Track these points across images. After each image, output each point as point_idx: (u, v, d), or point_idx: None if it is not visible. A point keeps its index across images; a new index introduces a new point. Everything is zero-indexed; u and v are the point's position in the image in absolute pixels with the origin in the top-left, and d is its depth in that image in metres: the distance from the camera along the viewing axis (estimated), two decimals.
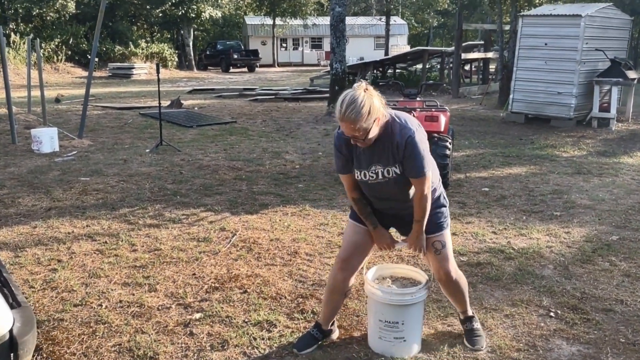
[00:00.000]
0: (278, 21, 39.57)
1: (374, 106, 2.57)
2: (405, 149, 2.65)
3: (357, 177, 2.82)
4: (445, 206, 2.98)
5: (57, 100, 15.28)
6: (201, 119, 11.61)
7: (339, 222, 5.10)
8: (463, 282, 3.07)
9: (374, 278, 3.11)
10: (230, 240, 4.61)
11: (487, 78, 19.55)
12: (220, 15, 35.67)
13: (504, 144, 9.23)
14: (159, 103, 8.45)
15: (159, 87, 8.57)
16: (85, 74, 27.39)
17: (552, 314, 3.43)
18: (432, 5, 40.36)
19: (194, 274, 3.97)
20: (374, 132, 2.62)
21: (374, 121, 2.58)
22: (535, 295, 3.68)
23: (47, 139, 8.08)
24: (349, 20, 38.90)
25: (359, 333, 3.21)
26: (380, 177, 2.76)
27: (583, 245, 4.56)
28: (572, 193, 6.08)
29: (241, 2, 42.00)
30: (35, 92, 11.57)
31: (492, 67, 21.56)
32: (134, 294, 3.65)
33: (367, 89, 2.58)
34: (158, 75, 8.23)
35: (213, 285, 3.79)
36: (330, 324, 3.12)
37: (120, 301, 3.55)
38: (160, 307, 3.49)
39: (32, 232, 4.76)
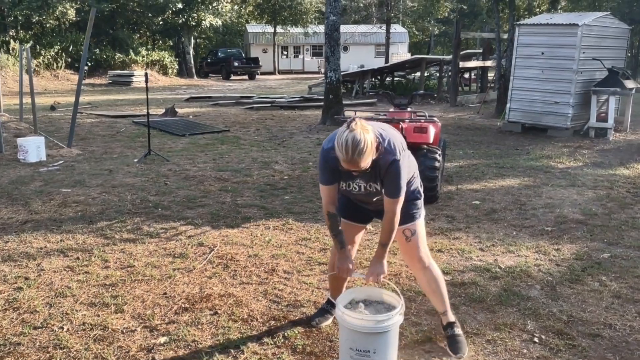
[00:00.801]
0: (279, 29, 39.61)
1: (373, 141, 2.67)
2: (386, 172, 2.79)
3: (342, 187, 2.98)
4: (419, 199, 3.10)
5: (53, 107, 15.18)
6: (194, 128, 11.48)
7: (322, 237, 4.94)
8: (439, 275, 3.15)
9: (347, 302, 2.99)
10: (207, 257, 4.46)
11: (485, 86, 19.41)
12: (220, 24, 35.66)
13: (499, 154, 9.07)
14: (147, 112, 8.31)
15: (147, 96, 8.44)
16: (86, 81, 27.37)
17: (536, 339, 3.26)
18: (432, 13, 40.32)
19: (165, 294, 3.81)
20: (365, 169, 2.75)
21: (373, 154, 2.70)
22: (519, 318, 3.51)
23: (33, 148, 7.95)
24: (350, 28, 39.05)
25: None
26: (362, 189, 2.95)
27: (573, 263, 4.39)
28: (564, 207, 5.91)
29: (243, 10, 42.05)
30: (29, 100, 11.48)
31: (491, 75, 21.43)
32: (99, 315, 3.49)
33: (362, 126, 2.65)
34: (147, 84, 8.11)
35: (183, 305, 3.63)
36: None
37: (84, 323, 3.39)
38: (124, 330, 3.33)
39: (3, 247, 4.61)
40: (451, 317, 3.23)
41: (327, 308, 3.46)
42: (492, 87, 18.41)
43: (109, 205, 5.79)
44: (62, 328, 3.33)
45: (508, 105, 11.59)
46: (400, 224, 2.96)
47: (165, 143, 9.81)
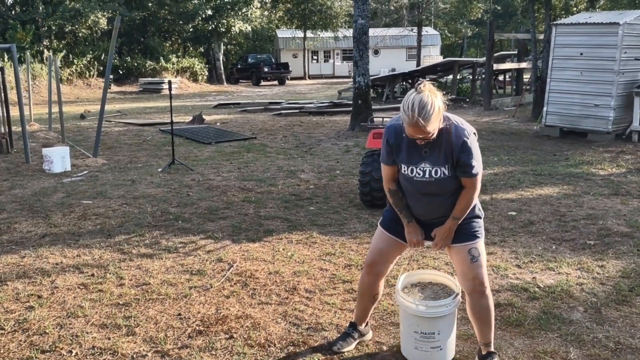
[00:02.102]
0: (309, 34, 39.53)
1: (441, 106, 2.57)
2: (461, 147, 2.64)
3: (404, 171, 2.80)
4: (480, 217, 2.91)
5: (82, 116, 15.32)
6: (221, 135, 11.36)
7: (347, 252, 4.69)
8: (492, 304, 2.91)
9: (403, 287, 3.10)
10: (225, 274, 4.25)
11: (520, 89, 18.85)
12: (250, 30, 35.77)
13: (536, 160, 8.67)
14: (171, 120, 8.20)
15: (170, 104, 8.36)
16: (117, 89, 27.80)
17: None
18: (465, 15, 39.68)
19: (179, 314, 3.61)
20: (427, 137, 2.61)
21: (440, 120, 2.59)
22: (561, 345, 3.20)
23: (58, 158, 7.91)
24: (381, 31, 38.72)
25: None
26: (427, 175, 2.74)
27: (619, 282, 4.03)
28: (608, 218, 5.52)
29: (272, 15, 42.16)
30: (64, 109, 11.53)
31: (527, 77, 20.84)
32: (109, 338, 3.31)
33: (430, 89, 2.56)
34: (170, 92, 8.02)
35: (197, 328, 3.43)
36: (365, 324, 3.25)
37: (93, 347, 3.22)
38: (135, 355, 3.14)
39: (20, 263, 4.49)
40: (492, 347, 3.00)
41: (351, 332, 3.22)
42: (528, 89, 17.86)
43: (129, 218, 5.65)
44: (71, 352, 3.17)
45: (545, 109, 11.13)
46: (465, 240, 2.83)
47: (191, 151, 9.70)
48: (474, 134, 2.73)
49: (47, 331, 3.39)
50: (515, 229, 5.30)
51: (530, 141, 10.60)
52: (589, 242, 4.87)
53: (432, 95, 2.52)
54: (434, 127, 2.55)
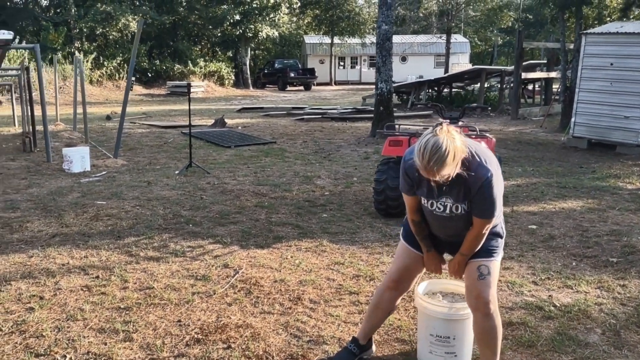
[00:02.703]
0: (336, 40, 39.51)
1: (458, 150, 2.41)
2: (478, 190, 2.53)
3: (424, 204, 2.75)
4: (501, 237, 2.81)
5: (109, 117, 15.49)
6: (241, 139, 11.34)
7: (356, 262, 4.56)
8: (499, 326, 2.75)
9: (424, 293, 3.07)
10: (230, 280, 4.16)
11: (549, 99, 18.45)
12: (277, 35, 35.91)
13: (562, 172, 8.40)
14: (189, 123, 8.19)
15: (189, 107, 8.33)
16: (145, 91, 28.15)
17: None
18: (495, 23, 39.21)
19: (179, 321, 3.53)
20: (455, 172, 2.48)
21: (457, 165, 2.44)
22: None
23: (77, 158, 7.96)
24: (409, 38, 38.48)
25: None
26: (447, 211, 2.67)
27: None
28: (633, 235, 5.27)
29: (300, 21, 42.28)
30: (89, 109, 11.64)
31: (556, 87, 20.43)
32: (106, 344, 3.24)
33: (448, 132, 2.41)
34: (189, 95, 8.00)
35: (196, 336, 3.33)
36: (368, 340, 3.11)
37: (88, 352, 3.15)
38: None
39: (26, 263, 4.47)
40: None
41: (352, 349, 3.08)
42: (556, 99, 17.49)
43: (140, 220, 5.61)
44: (65, 357, 3.10)
45: (573, 120, 10.83)
46: (476, 256, 2.74)
47: (210, 154, 9.69)
48: (497, 168, 2.56)
49: (44, 334, 3.34)
50: (534, 243, 5.10)
51: (557, 152, 10.31)
52: (611, 260, 4.65)
53: (448, 139, 2.38)
54: (448, 171, 2.41)
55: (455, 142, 2.41)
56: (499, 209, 2.62)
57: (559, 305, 3.79)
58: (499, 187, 2.56)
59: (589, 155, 9.85)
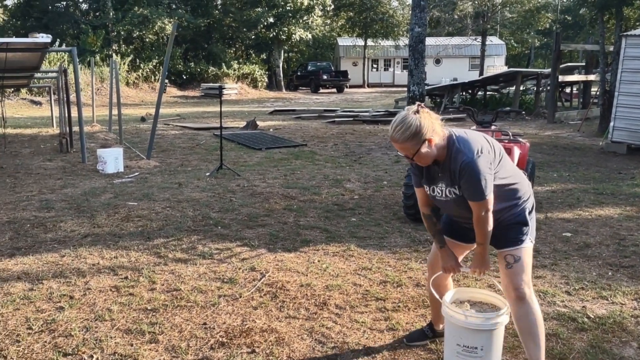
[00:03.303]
0: (370, 42, 39.40)
1: (423, 127, 2.54)
2: (460, 173, 2.62)
3: (427, 191, 2.86)
4: (525, 224, 2.80)
5: (143, 119, 15.76)
6: (272, 142, 11.38)
7: (384, 268, 4.50)
8: (537, 312, 2.79)
9: (452, 301, 3.05)
10: (256, 284, 4.16)
11: (587, 102, 17.99)
12: (310, 37, 36.01)
13: (599, 178, 8.16)
14: (220, 125, 8.25)
15: (220, 109, 8.39)
16: (179, 93, 28.57)
17: None
18: (532, 25, 38.48)
19: (205, 324, 3.54)
20: (427, 153, 2.61)
21: (424, 142, 2.56)
22: None
23: (111, 159, 8.11)
24: (443, 40, 38.08)
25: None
26: (444, 195, 2.77)
27: None
28: None
29: (334, 24, 42.32)
30: (125, 111, 11.93)
31: (594, 90, 19.93)
32: (132, 345, 3.27)
33: (418, 111, 2.56)
34: (220, 98, 8.07)
35: (220, 339, 3.33)
36: (442, 325, 3.21)
37: (115, 353, 3.18)
38: None
39: (59, 262, 4.56)
40: None
41: (426, 330, 3.33)
42: (595, 103, 17.04)
43: (170, 221, 5.67)
44: (92, 357, 3.14)
45: (612, 124, 10.53)
46: (502, 247, 2.81)
47: (241, 157, 9.74)
48: (480, 157, 2.58)
49: (72, 333, 3.39)
50: (568, 251, 4.95)
51: (595, 157, 10.03)
52: None
53: (416, 116, 2.54)
54: (408, 145, 2.56)
55: (422, 121, 2.53)
56: (488, 190, 2.60)
57: (593, 316, 3.66)
58: (482, 166, 2.58)
59: (628, 161, 9.55)
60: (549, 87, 17.22)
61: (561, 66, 18.19)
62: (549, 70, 17.43)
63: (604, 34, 15.02)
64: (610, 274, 4.43)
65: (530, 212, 2.84)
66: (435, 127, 2.58)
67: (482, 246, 2.78)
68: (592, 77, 17.63)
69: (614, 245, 5.08)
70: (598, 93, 15.16)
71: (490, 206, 2.65)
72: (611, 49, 14.91)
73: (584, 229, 5.59)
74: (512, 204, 2.79)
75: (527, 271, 2.80)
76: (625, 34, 10.54)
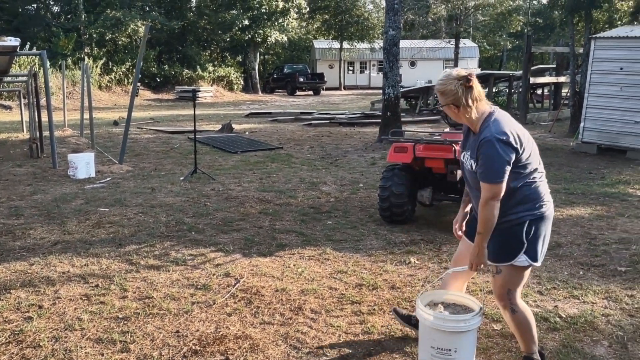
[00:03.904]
0: (346, 45, 39.51)
1: (451, 91, 2.70)
2: (479, 147, 2.67)
3: (460, 158, 2.96)
4: (520, 242, 2.72)
5: (116, 122, 15.54)
6: (247, 145, 11.32)
7: (359, 271, 4.50)
8: (523, 317, 2.90)
9: (426, 304, 3.05)
10: (230, 290, 4.11)
11: (558, 103, 18.30)
12: (286, 40, 35.96)
13: (570, 178, 8.29)
14: (194, 128, 8.17)
15: (195, 112, 8.31)
16: (153, 96, 28.26)
17: None
18: (504, 27, 39.03)
19: (178, 332, 3.48)
20: (451, 114, 2.79)
21: (449, 103, 2.72)
22: None
23: (82, 164, 7.96)
24: (418, 43, 38.39)
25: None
26: (467, 165, 2.85)
27: None
28: None
29: (310, 26, 42.35)
30: (97, 115, 11.70)
31: (565, 91, 20.27)
32: (103, 355, 3.20)
33: (461, 78, 2.69)
34: (194, 101, 8.00)
35: (193, 347, 3.29)
36: None
37: None
38: None
39: (27, 270, 4.45)
40: (535, 356, 2.99)
41: None
42: (566, 104, 17.34)
43: (142, 227, 5.59)
44: None
45: (582, 125, 10.71)
46: (495, 260, 2.82)
47: (216, 160, 9.67)
48: (503, 140, 2.62)
49: (41, 344, 3.31)
50: None
51: (566, 158, 10.19)
52: (619, 269, 4.55)
53: (456, 78, 2.69)
54: (440, 96, 2.76)
55: (455, 86, 2.68)
56: (500, 175, 2.62)
57: (564, 316, 3.71)
58: (499, 152, 2.60)
59: (598, 161, 9.73)
60: (520, 89, 17.47)
61: (532, 68, 18.47)
62: (521, 72, 17.68)
63: (574, 36, 15.30)
64: (581, 273, 4.49)
65: (531, 228, 2.74)
66: (465, 100, 2.69)
67: (481, 236, 2.72)
68: (562, 79, 17.94)
69: (585, 245, 5.16)
70: (568, 94, 15.43)
71: (499, 193, 2.64)
72: (581, 51, 15.20)
73: (555, 228, 5.65)
74: (514, 206, 2.72)
75: (511, 284, 2.82)
76: (594, 36, 10.74)
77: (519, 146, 2.65)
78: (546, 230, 2.81)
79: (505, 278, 2.81)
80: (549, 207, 2.82)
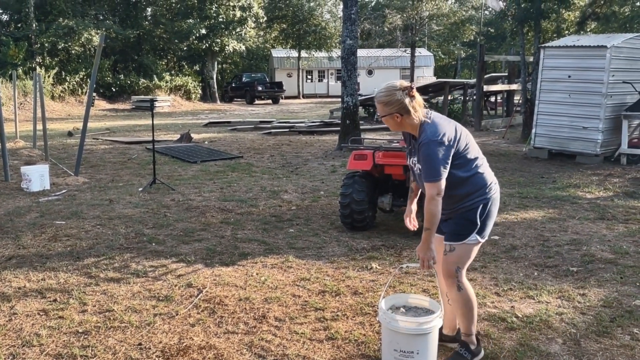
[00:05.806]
0: (304, 54, 39.70)
1: (397, 100, 2.88)
2: (418, 149, 2.90)
3: (409, 163, 3.13)
4: (473, 224, 3.01)
5: (70, 133, 15.18)
6: (207, 154, 11.24)
7: (322, 278, 4.54)
8: (467, 296, 3.10)
9: (388, 307, 3.14)
10: (193, 300, 4.09)
11: (511, 110, 18.87)
12: (244, 49, 35.90)
13: (523, 182, 8.56)
14: (152, 138, 8.07)
15: (152, 122, 8.22)
16: (109, 106, 27.71)
17: None
18: (458, 37, 39.98)
19: (140, 344, 3.44)
20: (390, 123, 2.99)
21: (394, 112, 2.90)
22: None
23: (36, 177, 7.76)
24: (375, 52, 38.86)
25: None
26: (416, 169, 3.04)
27: (600, 311, 3.89)
28: (592, 244, 5.39)
29: (267, 35, 42.39)
30: (50, 125, 11.38)
31: (517, 98, 20.90)
32: None
33: (405, 88, 2.89)
34: (152, 111, 7.90)
35: None
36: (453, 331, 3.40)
37: None
38: None
39: None
40: (472, 339, 3.18)
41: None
42: (518, 111, 17.88)
43: (101, 240, 5.49)
44: None
45: (534, 131, 11.08)
46: (446, 239, 3.07)
47: (175, 170, 9.57)
48: (438, 141, 2.84)
49: None
50: (497, 254, 5.16)
51: (519, 163, 10.52)
52: (571, 269, 4.74)
53: (396, 90, 2.87)
54: (379, 107, 2.94)
55: (396, 97, 2.86)
56: (438, 173, 2.83)
57: (521, 316, 3.84)
58: (436, 152, 2.83)
59: (549, 166, 10.08)
60: (475, 97, 17.94)
61: (486, 76, 19.00)
62: (475, 80, 18.16)
63: (524, 45, 15.82)
64: (536, 274, 4.66)
65: (484, 211, 3.04)
66: (409, 109, 2.88)
67: (428, 232, 2.89)
68: (514, 87, 18.50)
69: (538, 247, 5.35)
70: (520, 101, 15.93)
71: (441, 191, 2.84)
72: (531, 59, 15.73)
73: (510, 231, 5.85)
74: (467, 194, 3.00)
75: (460, 262, 3.07)
76: (543, 45, 11.15)
77: (453, 142, 2.91)
78: (495, 210, 3.14)
79: (457, 255, 3.05)
80: (496, 190, 3.14)
